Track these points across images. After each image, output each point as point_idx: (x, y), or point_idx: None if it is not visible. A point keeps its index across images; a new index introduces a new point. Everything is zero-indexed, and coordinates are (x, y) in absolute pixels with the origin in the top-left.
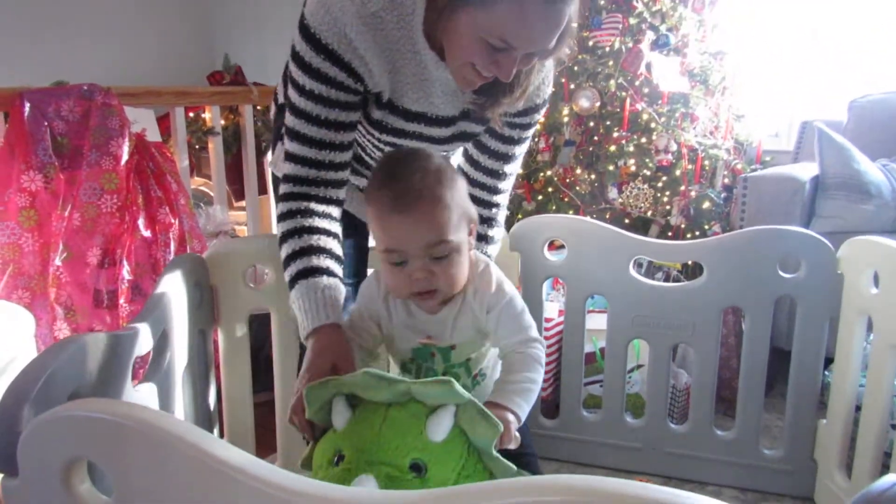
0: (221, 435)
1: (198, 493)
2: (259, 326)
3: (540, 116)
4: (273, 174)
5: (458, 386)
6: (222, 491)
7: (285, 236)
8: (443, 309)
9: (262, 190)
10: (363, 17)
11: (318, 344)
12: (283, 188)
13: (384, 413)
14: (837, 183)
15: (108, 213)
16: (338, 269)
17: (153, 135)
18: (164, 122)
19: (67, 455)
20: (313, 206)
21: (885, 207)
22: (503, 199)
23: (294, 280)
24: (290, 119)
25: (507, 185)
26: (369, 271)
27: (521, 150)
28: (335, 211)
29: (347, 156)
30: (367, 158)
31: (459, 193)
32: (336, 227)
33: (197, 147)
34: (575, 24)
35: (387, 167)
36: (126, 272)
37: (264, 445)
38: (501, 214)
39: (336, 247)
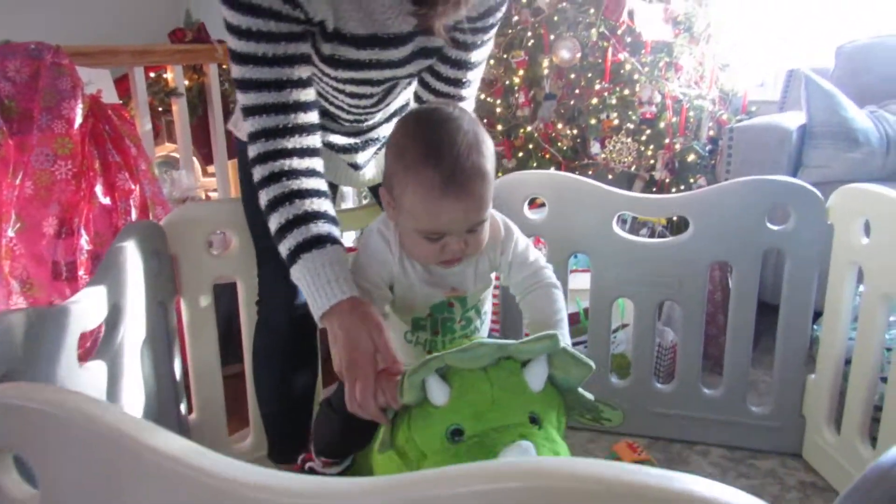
0: (189, 410)
1: (135, 488)
2: (232, 294)
3: (501, 14)
4: (237, 138)
5: (560, 336)
6: (163, 484)
7: (273, 204)
8: (461, 262)
9: (232, 154)
10: None
11: (347, 322)
12: (254, 149)
13: (486, 378)
14: (825, 131)
15: (63, 180)
16: (338, 233)
17: (110, 96)
18: (123, 83)
19: None
20: (295, 163)
21: (873, 155)
22: (468, 105)
23: (295, 254)
24: (237, 70)
25: (470, 93)
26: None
27: (484, 54)
28: (318, 164)
29: (312, 93)
30: (329, 108)
31: (493, 159)
32: (325, 185)
33: (160, 109)
34: None
35: (424, 134)
36: (85, 242)
37: (238, 418)
38: None
39: (330, 208)
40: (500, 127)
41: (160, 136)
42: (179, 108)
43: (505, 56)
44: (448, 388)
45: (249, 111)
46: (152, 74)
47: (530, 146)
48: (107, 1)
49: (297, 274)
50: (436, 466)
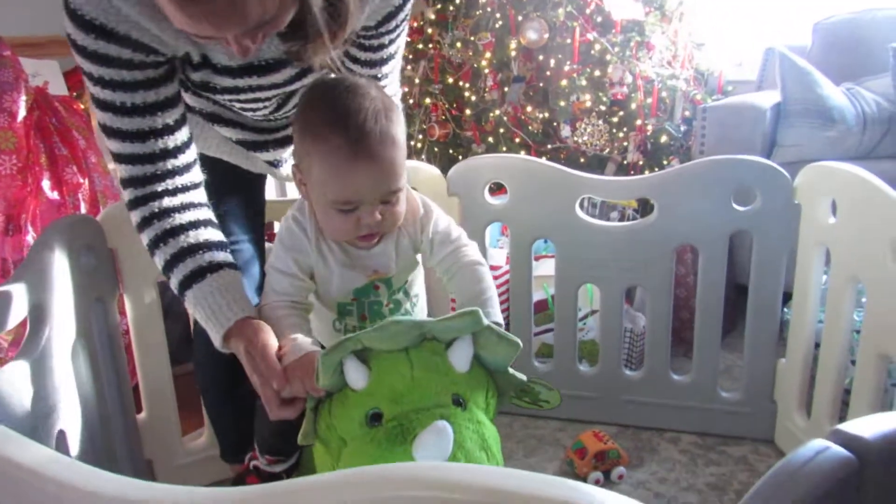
0: (139, 409)
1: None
2: None
3: (406, 13)
4: None
5: (482, 314)
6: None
7: (151, 246)
8: (381, 241)
9: None
10: None
11: (235, 348)
12: (125, 193)
13: (406, 359)
14: (800, 110)
15: (9, 176)
16: (221, 254)
17: (58, 88)
18: (77, 74)
19: None
20: (166, 202)
21: (849, 133)
22: (390, 91)
23: (181, 291)
24: (98, 114)
25: (390, 81)
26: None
27: (398, 45)
28: (194, 196)
29: (183, 134)
30: (239, 110)
31: (403, 127)
32: (204, 214)
33: None
34: None
35: (328, 102)
36: (32, 238)
37: (200, 416)
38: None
39: (211, 232)
40: (468, 111)
41: None
42: None
43: (472, 39)
44: (366, 370)
45: (116, 158)
46: None
47: (500, 130)
48: None
49: (189, 309)
50: (355, 453)
